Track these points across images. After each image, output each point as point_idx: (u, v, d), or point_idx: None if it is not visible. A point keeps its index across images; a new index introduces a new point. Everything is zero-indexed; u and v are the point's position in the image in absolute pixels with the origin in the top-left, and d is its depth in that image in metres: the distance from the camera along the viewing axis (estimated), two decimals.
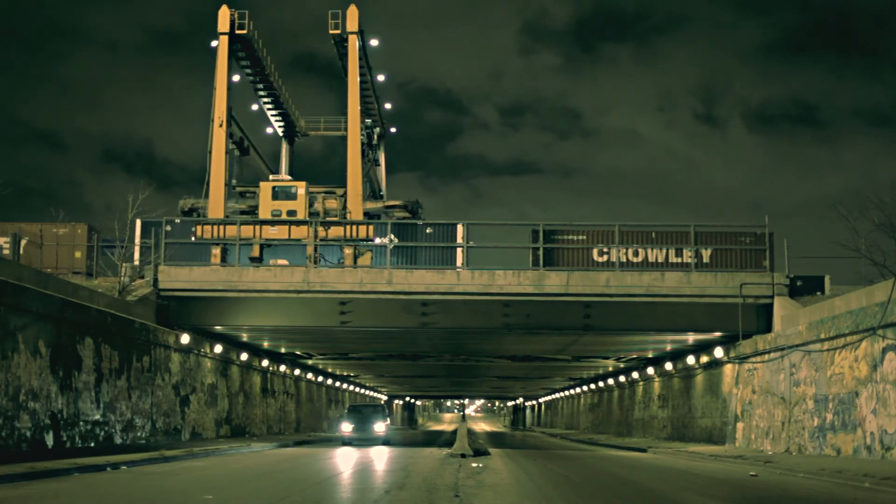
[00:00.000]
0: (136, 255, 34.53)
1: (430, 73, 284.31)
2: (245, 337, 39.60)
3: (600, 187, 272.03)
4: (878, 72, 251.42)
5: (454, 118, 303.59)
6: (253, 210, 39.46)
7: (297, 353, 48.27)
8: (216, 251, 37.21)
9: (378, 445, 36.05)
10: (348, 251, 37.34)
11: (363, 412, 39.92)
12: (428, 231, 39.30)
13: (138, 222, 36.68)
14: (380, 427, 37.85)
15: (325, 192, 39.74)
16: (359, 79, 40.78)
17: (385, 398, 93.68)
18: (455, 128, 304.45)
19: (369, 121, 47.25)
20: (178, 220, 38.82)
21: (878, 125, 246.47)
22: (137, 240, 36.18)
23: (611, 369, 56.00)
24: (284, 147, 50.11)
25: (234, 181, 42.17)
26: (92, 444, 24.87)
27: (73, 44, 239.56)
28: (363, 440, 37.05)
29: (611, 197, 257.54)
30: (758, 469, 23.01)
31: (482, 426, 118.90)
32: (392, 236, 38.51)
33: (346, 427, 37.58)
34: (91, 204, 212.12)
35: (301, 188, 38.29)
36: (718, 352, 33.90)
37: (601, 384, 62.51)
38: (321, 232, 37.00)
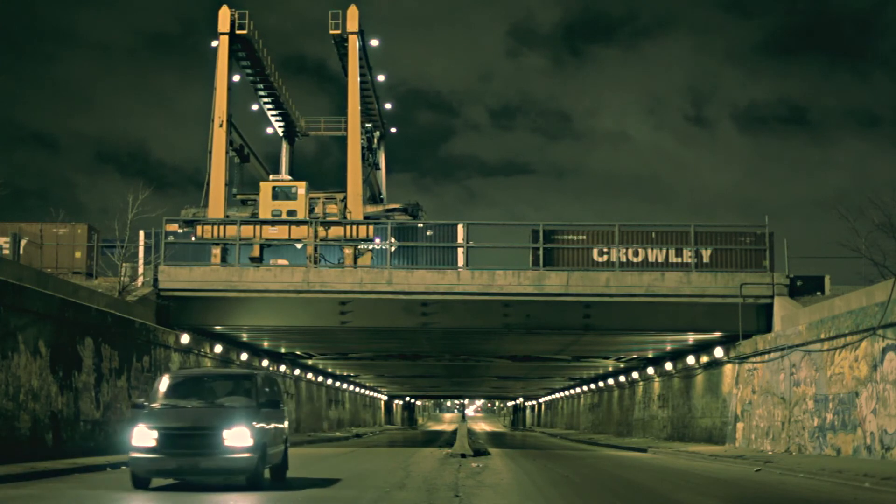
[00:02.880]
0: (141, 266, 34.20)
1: (420, 75, 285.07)
2: (245, 337, 39.59)
3: (593, 188, 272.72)
4: (866, 73, 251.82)
5: (446, 120, 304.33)
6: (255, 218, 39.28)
7: (297, 353, 48.25)
8: (216, 251, 37.18)
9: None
10: (348, 251, 37.31)
11: (202, 394, 16.57)
12: (428, 233, 39.31)
13: (141, 232, 36.68)
14: (239, 436, 15.03)
15: (326, 198, 39.71)
16: (359, 79, 40.80)
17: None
18: (447, 129, 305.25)
19: (369, 125, 47.23)
20: (181, 230, 38.70)
21: (868, 126, 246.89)
22: (141, 248, 36.02)
23: (611, 369, 55.99)
24: (284, 147, 50.11)
25: (234, 190, 42.09)
26: (92, 444, 24.85)
27: (66, 46, 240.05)
28: (190, 473, 15.42)
29: (604, 197, 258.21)
30: (758, 469, 23.00)
31: (482, 426, 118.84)
32: (392, 239, 38.45)
33: (142, 437, 15.06)
34: (86, 205, 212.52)
35: (301, 188, 38.27)
36: (718, 352, 33.90)
37: (601, 384, 62.49)
38: (321, 232, 36.99)
